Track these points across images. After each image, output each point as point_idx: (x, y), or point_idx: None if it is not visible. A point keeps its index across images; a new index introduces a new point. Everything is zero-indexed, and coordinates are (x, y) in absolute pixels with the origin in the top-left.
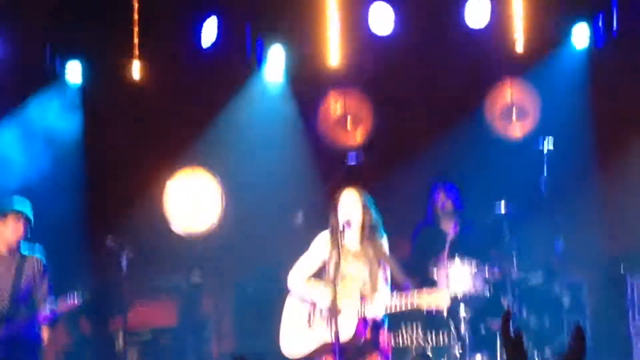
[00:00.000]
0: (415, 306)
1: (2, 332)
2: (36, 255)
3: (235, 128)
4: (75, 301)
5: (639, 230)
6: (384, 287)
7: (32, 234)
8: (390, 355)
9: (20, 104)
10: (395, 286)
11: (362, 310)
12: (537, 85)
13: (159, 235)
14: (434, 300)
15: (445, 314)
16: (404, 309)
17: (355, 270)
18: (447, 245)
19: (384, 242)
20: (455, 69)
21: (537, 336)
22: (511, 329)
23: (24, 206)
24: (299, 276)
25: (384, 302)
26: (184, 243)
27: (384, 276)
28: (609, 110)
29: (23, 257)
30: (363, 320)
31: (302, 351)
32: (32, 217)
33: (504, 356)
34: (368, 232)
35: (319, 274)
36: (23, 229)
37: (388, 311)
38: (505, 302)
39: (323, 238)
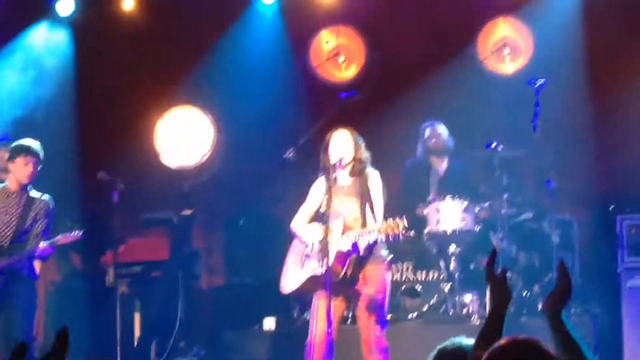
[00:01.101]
0: (374, 232)
1: (1, 264)
2: (44, 198)
3: (227, 63)
4: (77, 234)
5: (630, 170)
6: (373, 221)
7: None
8: (385, 296)
9: (10, 38)
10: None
11: (339, 243)
12: (530, 22)
13: (150, 169)
14: (389, 227)
15: (435, 251)
16: (362, 236)
17: (347, 205)
18: (436, 182)
19: (376, 178)
20: (449, 3)
21: (526, 273)
22: (497, 267)
23: (32, 148)
24: (299, 220)
25: (355, 233)
26: (175, 177)
27: (372, 210)
28: (602, 47)
29: (31, 198)
30: (340, 254)
31: (294, 286)
32: (39, 154)
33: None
34: (358, 168)
35: (320, 217)
36: (33, 169)
37: (355, 239)
38: (495, 238)
39: (320, 182)
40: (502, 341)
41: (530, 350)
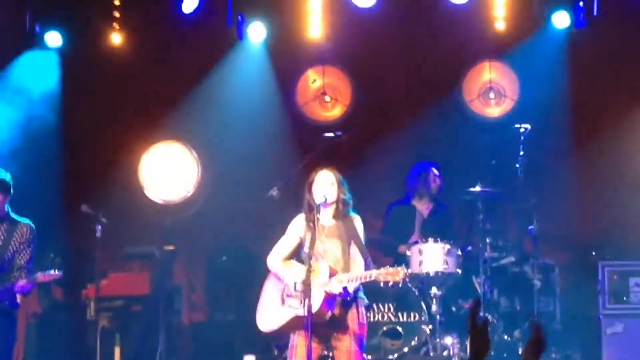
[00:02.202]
0: (372, 278)
1: None
2: (26, 222)
3: (213, 99)
4: (56, 273)
5: (613, 216)
6: (355, 264)
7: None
8: (364, 338)
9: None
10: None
11: (329, 285)
12: (516, 66)
13: (134, 203)
14: (390, 274)
15: (416, 293)
16: (362, 280)
17: (328, 248)
18: (420, 224)
19: (358, 221)
20: (436, 46)
21: (507, 317)
22: (479, 316)
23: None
24: (276, 257)
25: (348, 277)
26: (159, 212)
27: (354, 253)
28: (587, 93)
29: (13, 222)
30: (328, 296)
31: (275, 325)
32: (9, 186)
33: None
34: (342, 210)
35: (297, 254)
36: (1, 199)
37: (350, 283)
38: (477, 282)
39: (299, 219)
40: None
41: None
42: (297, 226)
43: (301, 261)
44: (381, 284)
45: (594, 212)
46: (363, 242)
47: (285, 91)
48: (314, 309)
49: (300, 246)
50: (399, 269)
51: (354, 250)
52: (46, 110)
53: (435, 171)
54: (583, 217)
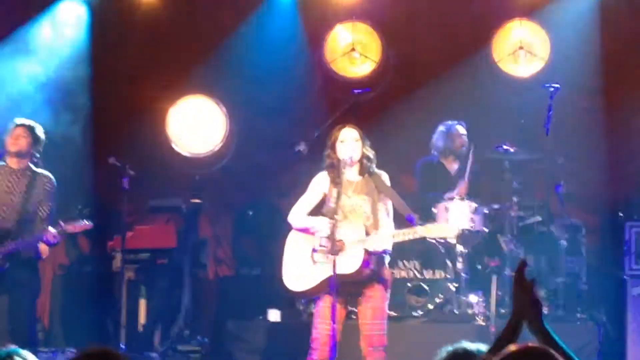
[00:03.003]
0: (418, 235)
1: (8, 248)
2: (47, 174)
3: (243, 55)
4: (86, 223)
5: None
6: (386, 221)
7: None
8: (388, 293)
9: (26, 23)
10: (399, 219)
11: (368, 243)
12: (548, 25)
13: (161, 156)
14: (440, 230)
15: (442, 250)
16: (410, 238)
17: (357, 204)
18: (448, 182)
19: (385, 177)
20: (467, 4)
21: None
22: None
23: (26, 122)
24: (299, 211)
25: (388, 234)
26: (186, 165)
27: (385, 210)
28: (619, 53)
29: (34, 173)
30: (368, 254)
31: (306, 286)
32: (37, 133)
33: (501, 297)
34: (367, 166)
35: (320, 211)
36: (26, 142)
37: (393, 240)
38: (503, 241)
39: (322, 176)
40: (513, 347)
41: (539, 358)
42: (320, 182)
43: (330, 216)
44: (428, 238)
45: (622, 174)
46: (394, 196)
47: (315, 46)
48: (354, 268)
49: (323, 203)
50: (448, 225)
51: (383, 206)
52: (76, 63)
53: (461, 129)
54: (611, 178)
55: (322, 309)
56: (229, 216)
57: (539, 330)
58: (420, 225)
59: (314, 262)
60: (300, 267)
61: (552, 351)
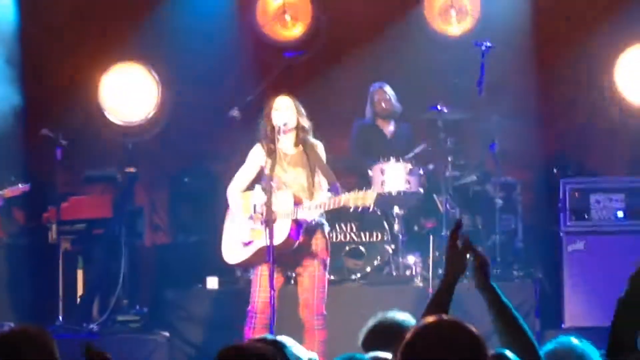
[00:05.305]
0: (342, 204)
1: None
2: None
3: (173, 20)
4: (24, 186)
5: (574, 134)
6: (320, 192)
7: None
8: (327, 262)
9: None
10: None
11: (295, 213)
12: None
13: (93, 126)
14: (360, 198)
15: (378, 212)
16: (331, 207)
17: (292, 176)
18: (383, 144)
19: (320, 148)
20: None
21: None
22: (461, 236)
23: None
24: (236, 187)
25: (315, 204)
26: (119, 134)
27: (318, 181)
28: (551, 12)
29: None
30: (296, 224)
31: (240, 258)
32: None
33: (439, 258)
34: (302, 137)
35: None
36: None
37: (320, 210)
38: (439, 201)
39: (257, 148)
40: (429, 319)
41: (453, 332)
42: (256, 155)
43: (265, 185)
44: (350, 209)
45: (555, 131)
46: (327, 167)
47: (245, 10)
48: (281, 239)
49: (260, 175)
50: (367, 193)
51: (319, 177)
52: (5, 34)
53: (385, 91)
54: (544, 135)
55: (260, 277)
56: (164, 184)
57: (485, 287)
58: (344, 194)
59: (249, 234)
60: (236, 239)
61: (465, 324)
